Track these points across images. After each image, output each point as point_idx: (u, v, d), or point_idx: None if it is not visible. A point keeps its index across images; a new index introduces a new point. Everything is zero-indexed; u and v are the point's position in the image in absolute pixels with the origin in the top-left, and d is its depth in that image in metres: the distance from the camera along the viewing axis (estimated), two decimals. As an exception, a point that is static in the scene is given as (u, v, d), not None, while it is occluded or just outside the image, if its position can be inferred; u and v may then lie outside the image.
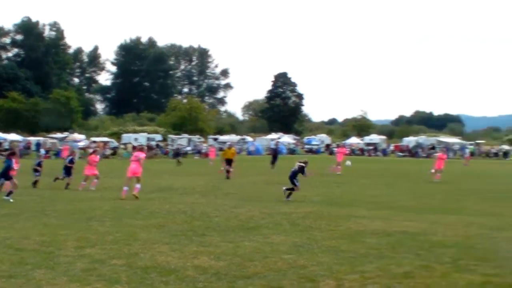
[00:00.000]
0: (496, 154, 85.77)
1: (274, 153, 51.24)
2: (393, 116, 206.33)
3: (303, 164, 25.43)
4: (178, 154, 62.81)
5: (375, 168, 53.55)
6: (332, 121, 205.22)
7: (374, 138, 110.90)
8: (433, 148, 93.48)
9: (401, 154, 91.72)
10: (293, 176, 25.11)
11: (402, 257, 12.81)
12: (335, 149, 57.20)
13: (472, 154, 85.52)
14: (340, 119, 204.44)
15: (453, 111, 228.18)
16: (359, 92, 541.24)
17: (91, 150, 39.50)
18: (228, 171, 37.84)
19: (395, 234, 15.92)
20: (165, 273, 10.92)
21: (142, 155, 25.55)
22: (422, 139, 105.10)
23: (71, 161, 30.05)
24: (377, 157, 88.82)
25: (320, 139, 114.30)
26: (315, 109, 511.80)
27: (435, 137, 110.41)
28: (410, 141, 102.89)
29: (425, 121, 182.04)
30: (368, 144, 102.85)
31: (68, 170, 29.52)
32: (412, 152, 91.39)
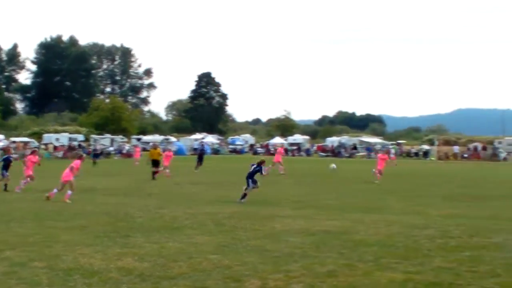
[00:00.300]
0: (416, 154, 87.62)
1: (201, 154, 50.69)
2: (316, 116, 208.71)
3: (260, 166, 25.50)
4: (96, 155, 61.58)
5: (299, 168, 54.00)
6: (256, 121, 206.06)
7: (298, 138, 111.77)
8: (355, 148, 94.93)
9: (323, 154, 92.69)
10: (251, 176, 25.01)
11: (326, 256, 12.93)
12: (276, 149, 57.19)
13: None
14: (264, 119, 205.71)
15: (375, 112, 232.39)
16: (283, 92, 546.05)
17: (29, 151, 38.45)
18: (154, 172, 37.40)
19: (318, 233, 16.07)
20: (88, 275, 10.75)
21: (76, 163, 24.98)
22: (345, 139, 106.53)
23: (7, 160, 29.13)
24: (300, 157, 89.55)
25: (244, 139, 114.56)
26: (239, 109, 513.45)
27: (357, 137, 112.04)
28: (333, 141, 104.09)
29: (348, 121, 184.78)
30: (292, 144, 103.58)
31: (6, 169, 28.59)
32: (335, 152, 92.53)
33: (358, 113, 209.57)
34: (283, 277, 10.91)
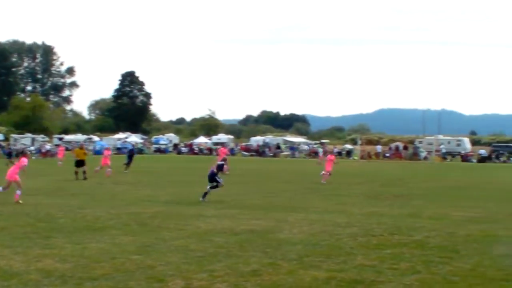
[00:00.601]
0: (340, 153, 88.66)
1: (131, 154, 49.52)
2: (240, 116, 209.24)
3: (222, 162, 26.26)
4: (10, 154, 59.73)
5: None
6: (180, 121, 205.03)
7: (222, 137, 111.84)
8: (279, 147, 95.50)
9: (247, 153, 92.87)
10: (213, 175, 25.12)
11: (250, 255, 12.97)
12: (219, 150, 56.84)
13: (317, 153, 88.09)
14: (188, 118, 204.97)
15: (298, 111, 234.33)
16: (207, 92, 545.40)
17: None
18: (76, 172, 36.66)
19: (243, 233, 16.11)
20: (7, 277, 10.50)
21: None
22: (269, 138, 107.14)
23: None
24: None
25: (169, 138, 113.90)
26: (163, 108, 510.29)
27: (281, 137, 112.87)
28: (257, 140, 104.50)
29: (272, 121, 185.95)
30: (216, 144, 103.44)
31: None
32: (259, 152, 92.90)
33: (282, 113, 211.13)
34: (207, 276, 10.88)
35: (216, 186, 25.10)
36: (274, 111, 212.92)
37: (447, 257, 13.05)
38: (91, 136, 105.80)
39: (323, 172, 36.82)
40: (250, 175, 42.24)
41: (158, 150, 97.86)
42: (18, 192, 23.12)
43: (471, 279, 11.06)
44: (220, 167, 25.72)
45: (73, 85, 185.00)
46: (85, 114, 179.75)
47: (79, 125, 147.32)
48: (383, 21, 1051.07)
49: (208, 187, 25.01)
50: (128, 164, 45.79)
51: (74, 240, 14.42)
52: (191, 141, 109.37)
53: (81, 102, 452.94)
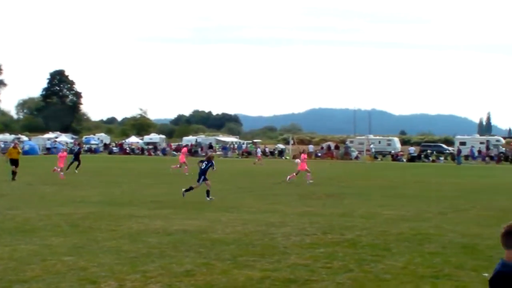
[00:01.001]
0: (272, 153, 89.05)
1: (77, 153, 47.74)
2: (172, 115, 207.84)
3: (211, 161, 26.50)
4: None
5: (156, 168, 53.60)
6: (111, 120, 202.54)
7: (154, 137, 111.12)
8: (211, 147, 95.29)
9: (175, 153, 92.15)
10: (203, 173, 25.65)
11: (184, 255, 12.92)
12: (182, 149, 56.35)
13: (249, 153, 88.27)
14: (119, 118, 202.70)
15: (231, 111, 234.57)
16: (138, 91, 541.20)
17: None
18: (14, 172, 35.71)
19: (176, 233, 16.03)
20: None
21: None
22: (201, 138, 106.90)
23: None
24: (157, 156, 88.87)
25: (99, 138, 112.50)
26: (94, 107, 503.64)
27: (214, 136, 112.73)
28: (189, 140, 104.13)
29: (204, 121, 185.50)
30: (148, 143, 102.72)
31: None
32: (191, 152, 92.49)
33: (214, 113, 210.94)
34: (140, 277, 10.80)
35: (192, 188, 25.76)
36: (206, 110, 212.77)
37: (379, 256, 13.24)
38: (20, 135, 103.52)
39: (294, 174, 36.51)
40: (183, 175, 41.97)
41: (89, 150, 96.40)
42: None
43: (402, 277, 11.25)
44: (211, 165, 26.41)
45: (0, 83, 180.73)
46: (13, 113, 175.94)
47: (6, 124, 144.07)
48: (315, 22, 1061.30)
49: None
50: (73, 163, 44.59)
51: (3, 242, 14.12)
52: (122, 141, 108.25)
53: (8, 101, 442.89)
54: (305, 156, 38.95)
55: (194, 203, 23.92)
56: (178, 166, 45.28)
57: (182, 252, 13.36)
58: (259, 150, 76.63)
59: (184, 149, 50.21)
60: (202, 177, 25.56)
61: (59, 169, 39.07)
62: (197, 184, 25.62)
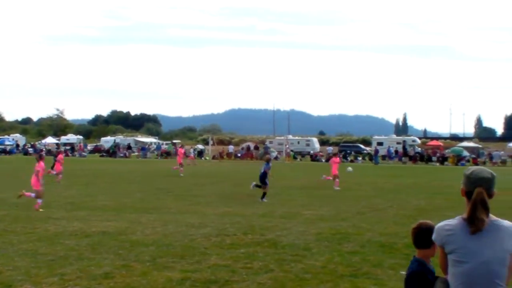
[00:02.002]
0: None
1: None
2: (90, 116, 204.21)
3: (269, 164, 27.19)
4: None
5: (73, 169, 52.61)
6: (27, 121, 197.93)
7: (71, 137, 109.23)
8: (129, 147, 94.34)
9: (84, 154, 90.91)
10: (263, 176, 26.44)
11: (102, 257, 12.71)
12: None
13: (168, 153, 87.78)
14: (35, 118, 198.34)
15: (149, 111, 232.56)
16: (54, 91, 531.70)
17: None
18: None
19: (95, 235, 15.77)
20: None
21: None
22: (120, 138, 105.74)
23: None
24: (74, 157, 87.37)
25: (15, 139, 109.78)
26: (8, 108, 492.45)
27: (132, 137, 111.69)
28: (108, 140, 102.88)
29: (123, 121, 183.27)
30: (65, 144, 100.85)
31: None
32: (110, 152, 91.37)
33: (133, 113, 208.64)
34: (58, 280, 10.57)
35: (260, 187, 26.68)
36: (125, 111, 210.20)
37: (299, 255, 13.32)
38: None
39: (327, 177, 36.18)
40: (101, 176, 41.42)
41: (4, 151, 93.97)
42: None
43: (322, 276, 11.34)
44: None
45: None
46: None
47: None
48: (234, 22, 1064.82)
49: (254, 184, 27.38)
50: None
51: None
52: (38, 142, 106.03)
53: None
54: (337, 159, 38.68)
55: (113, 205, 23.61)
56: (179, 167, 44.11)
57: (101, 254, 13.14)
58: (192, 150, 76.44)
59: (181, 150, 48.57)
60: (265, 180, 26.41)
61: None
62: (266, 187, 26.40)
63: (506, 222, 4.74)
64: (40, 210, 21.20)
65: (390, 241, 15.26)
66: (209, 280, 10.85)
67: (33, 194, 22.13)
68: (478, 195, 4.65)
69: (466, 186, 4.80)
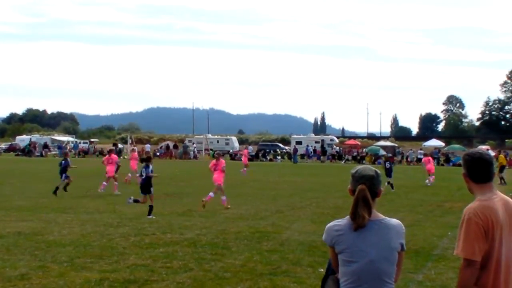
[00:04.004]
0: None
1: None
2: (3, 114, 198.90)
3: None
4: None
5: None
6: None
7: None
8: (46, 146, 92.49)
9: None
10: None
11: (18, 258, 12.47)
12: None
13: (86, 152, 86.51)
14: None
15: (66, 110, 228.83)
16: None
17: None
18: None
19: (9, 236, 15.44)
20: None
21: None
22: (36, 137, 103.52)
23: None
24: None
25: None
26: None
27: (49, 136, 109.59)
28: (23, 139, 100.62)
29: (38, 120, 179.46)
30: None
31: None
32: (25, 151, 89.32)
33: (49, 111, 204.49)
34: (-30, 284, 10.28)
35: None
36: (41, 109, 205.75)
37: (218, 254, 13.36)
38: None
39: (428, 179, 37.13)
40: (16, 176, 40.49)
41: None
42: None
43: (242, 275, 11.39)
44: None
45: None
46: None
47: None
48: (152, 20, 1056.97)
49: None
50: None
51: None
52: None
53: None
54: (429, 158, 39.22)
55: (28, 205, 23.13)
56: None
57: (16, 255, 12.87)
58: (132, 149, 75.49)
59: (134, 155, 42.57)
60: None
61: None
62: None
63: (394, 221, 4.85)
64: None
65: (308, 240, 15.44)
66: (128, 280, 10.77)
67: None
68: (360, 192, 4.73)
69: (352, 185, 4.88)
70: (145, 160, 21.99)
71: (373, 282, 4.67)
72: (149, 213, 19.96)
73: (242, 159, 34.39)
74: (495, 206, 4.84)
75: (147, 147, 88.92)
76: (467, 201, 5.07)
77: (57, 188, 27.19)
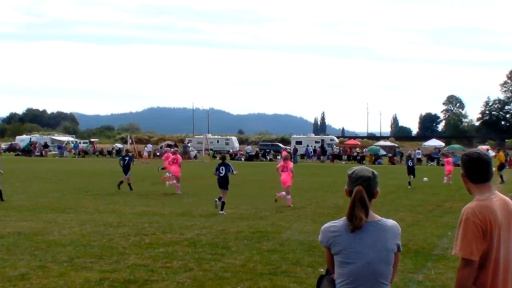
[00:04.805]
0: (110, 152, 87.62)
1: None
2: (4, 114, 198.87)
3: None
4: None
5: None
6: None
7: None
8: (46, 146, 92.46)
9: None
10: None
11: (18, 258, 12.47)
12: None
13: (86, 152, 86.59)
14: None
15: (66, 109, 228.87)
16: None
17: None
18: None
19: (9, 236, 15.44)
20: None
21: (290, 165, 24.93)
22: (36, 137, 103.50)
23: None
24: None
25: None
26: None
27: (49, 136, 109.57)
28: (23, 139, 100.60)
29: (39, 119, 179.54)
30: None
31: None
32: (25, 151, 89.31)
33: (49, 111, 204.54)
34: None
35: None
36: (41, 109, 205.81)
37: (218, 254, 13.36)
38: None
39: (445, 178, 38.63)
40: (16, 175, 40.44)
41: None
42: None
43: (241, 275, 11.39)
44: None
45: None
46: None
47: None
48: (152, 20, 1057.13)
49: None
50: None
51: None
52: None
53: None
54: (448, 160, 40.19)
55: (28, 205, 23.13)
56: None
57: (16, 255, 12.87)
58: (146, 148, 75.75)
59: (168, 155, 42.70)
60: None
61: None
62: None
63: (390, 222, 4.85)
64: None
65: (308, 239, 15.42)
66: (128, 280, 10.77)
67: None
68: (357, 193, 4.74)
69: (348, 186, 4.90)
70: (222, 159, 23.61)
71: (370, 284, 4.68)
72: (222, 209, 21.38)
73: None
74: (493, 206, 4.85)
75: (149, 147, 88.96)
76: (467, 201, 5.07)
77: (121, 182, 30.47)
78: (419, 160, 76.49)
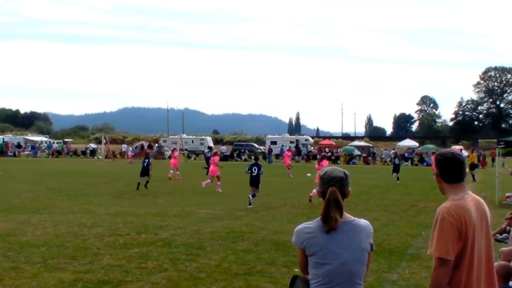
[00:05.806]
0: (84, 153, 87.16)
1: None
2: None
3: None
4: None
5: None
6: None
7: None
8: (19, 146, 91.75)
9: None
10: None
11: (-10, 260, 12.33)
12: None
13: (60, 152, 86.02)
14: None
15: (39, 109, 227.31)
16: None
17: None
18: None
19: (-20, 237, 15.28)
20: None
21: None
22: (9, 137, 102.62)
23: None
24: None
25: None
26: None
27: (22, 136, 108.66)
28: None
29: (11, 119, 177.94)
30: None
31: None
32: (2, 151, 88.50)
33: (22, 111, 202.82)
34: None
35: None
36: (14, 108, 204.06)
37: (193, 254, 13.34)
38: None
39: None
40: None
41: None
42: None
43: (216, 275, 11.38)
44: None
45: None
46: None
47: None
48: (126, 19, 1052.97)
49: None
50: None
51: None
52: None
53: None
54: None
55: (1, 205, 22.90)
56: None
57: (-12, 256, 12.75)
58: (130, 148, 75.60)
59: (175, 153, 44.52)
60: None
61: None
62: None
63: (363, 221, 4.89)
64: None
65: (283, 239, 15.43)
66: (102, 281, 10.72)
67: None
68: (331, 195, 4.74)
69: (321, 187, 4.89)
70: (256, 159, 26.51)
71: (345, 284, 4.70)
72: (250, 203, 23.43)
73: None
74: (468, 206, 4.89)
75: (124, 147, 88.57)
76: (441, 201, 5.10)
77: (139, 183, 31.18)
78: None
